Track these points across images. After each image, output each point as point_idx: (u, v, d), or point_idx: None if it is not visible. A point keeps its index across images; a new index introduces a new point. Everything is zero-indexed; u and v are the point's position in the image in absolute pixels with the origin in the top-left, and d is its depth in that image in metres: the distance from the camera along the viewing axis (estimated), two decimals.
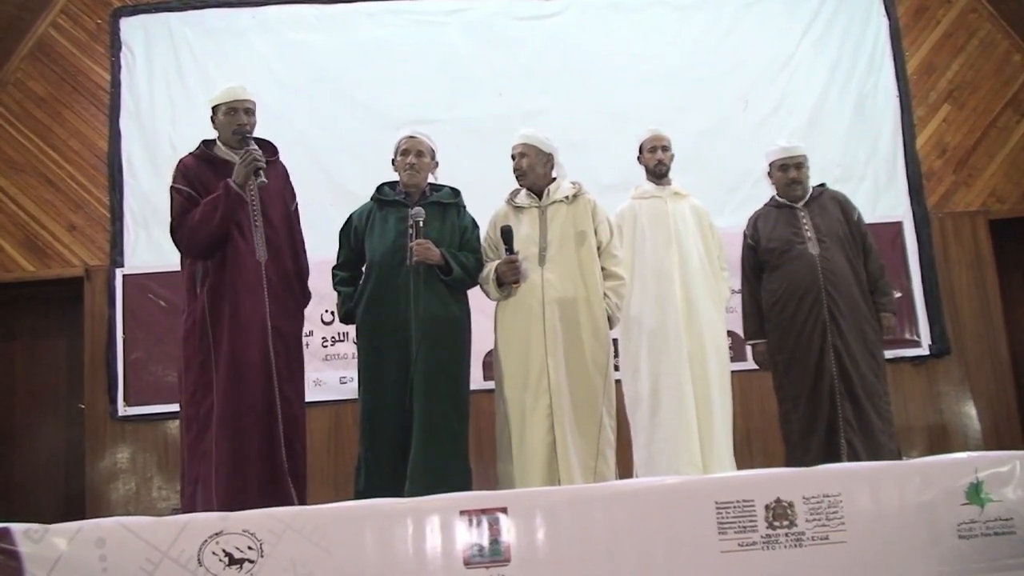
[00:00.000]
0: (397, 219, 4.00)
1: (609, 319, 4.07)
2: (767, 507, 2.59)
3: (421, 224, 3.89)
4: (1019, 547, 2.59)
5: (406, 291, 3.87)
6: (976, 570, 2.57)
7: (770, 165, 4.64)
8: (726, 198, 5.91)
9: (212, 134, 3.97)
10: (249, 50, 6.31)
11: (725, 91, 6.28)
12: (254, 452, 3.66)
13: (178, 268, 3.94)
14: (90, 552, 2.49)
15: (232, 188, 3.74)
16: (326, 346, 5.91)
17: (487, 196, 4.29)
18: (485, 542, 2.55)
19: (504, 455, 3.98)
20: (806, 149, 4.65)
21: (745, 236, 4.67)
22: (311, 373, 4.40)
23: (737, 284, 4.78)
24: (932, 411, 5.97)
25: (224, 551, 2.51)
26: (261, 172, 3.74)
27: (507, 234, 3.94)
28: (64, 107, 6.27)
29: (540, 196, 4.14)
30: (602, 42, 6.38)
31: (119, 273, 6.01)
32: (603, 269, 4.09)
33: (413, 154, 4.03)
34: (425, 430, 3.78)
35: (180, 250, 3.86)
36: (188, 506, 3.66)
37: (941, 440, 5.86)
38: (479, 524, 2.56)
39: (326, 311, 5.61)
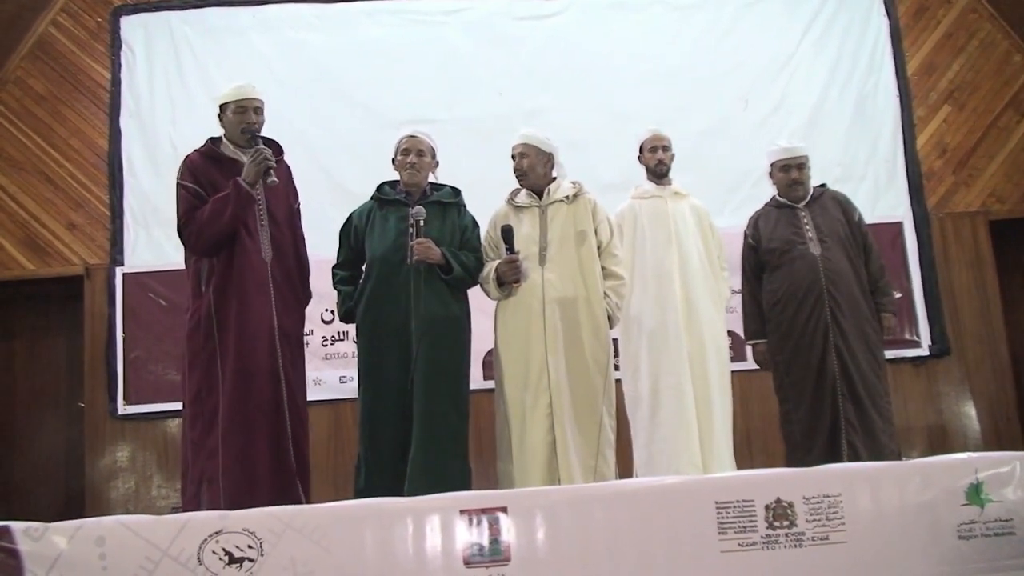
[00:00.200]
0: (397, 218, 4.00)
1: (609, 319, 4.07)
2: (767, 507, 2.60)
3: (421, 223, 3.89)
4: (1019, 548, 2.60)
5: (406, 290, 3.87)
6: (976, 570, 2.58)
7: (771, 165, 4.63)
8: (726, 198, 5.90)
9: (212, 132, 3.96)
10: (249, 49, 6.31)
11: (725, 91, 6.27)
12: (263, 452, 3.64)
13: (179, 267, 3.93)
14: (90, 550, 2.50)
15: (243, 187, 3.71)
16: (326, 345, 5.91)
17: (487, 196, 4.29)
18: (485, 541, 2.56)
19: (504, 454, 3.98)
20: (807, 149, 4.65)
21: (746, 236, 4.66)
22: (311, 372, 4.39)
23: (737, 284, 4.78)
24: (932, 411, 5.96)
25: (224, 550, 2.51)
26: (271, 172, 3.73)
27: (507, 233, 3.94)
28: (64, 106, 6.26)
29: (540, 196, 4.14)
30: (602, 42, 6.37)
31: (119, 272, 6.01)
32: (603, 269, 4.10)
33: (414, 153, 4.03)
34: (425, 429, 3.77)
35: (187, 247, 3.83)
36: (189, 505, 3.63)
37: (941, 440, 5.86)
38: (479, 523, 2.56)
39: (326, 310, 5.61)
